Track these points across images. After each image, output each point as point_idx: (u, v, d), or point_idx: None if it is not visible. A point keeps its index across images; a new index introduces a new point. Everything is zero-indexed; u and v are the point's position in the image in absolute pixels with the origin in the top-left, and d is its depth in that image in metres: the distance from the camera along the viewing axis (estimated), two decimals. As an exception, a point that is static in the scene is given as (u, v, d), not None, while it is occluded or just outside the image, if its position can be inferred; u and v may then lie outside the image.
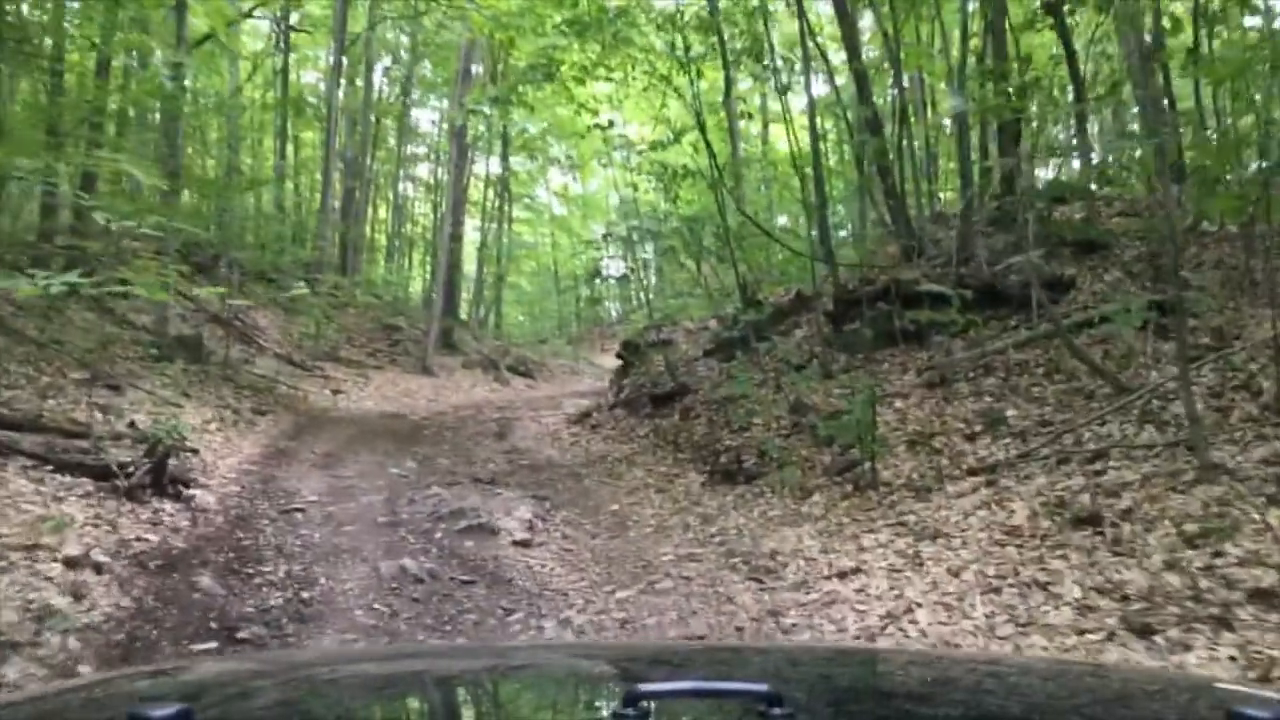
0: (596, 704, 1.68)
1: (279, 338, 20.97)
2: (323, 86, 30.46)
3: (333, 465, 10.69)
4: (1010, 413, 8.54)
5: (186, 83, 18.82)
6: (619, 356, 15.77)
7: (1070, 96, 12.49)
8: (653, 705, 1.19)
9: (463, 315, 30.62)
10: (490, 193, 32.01)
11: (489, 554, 7.39)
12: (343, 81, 30.34)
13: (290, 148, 30.44)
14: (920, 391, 9.57)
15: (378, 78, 31.34)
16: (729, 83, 16.77)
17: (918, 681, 1.79)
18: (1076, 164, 15.09)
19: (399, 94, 30.04)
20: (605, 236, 12.89)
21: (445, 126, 27.95)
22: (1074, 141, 13.62)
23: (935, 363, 9.93)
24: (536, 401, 20.30)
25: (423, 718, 1.63)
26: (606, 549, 7.73)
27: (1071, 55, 12.14)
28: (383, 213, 33.61)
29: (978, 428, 8.47)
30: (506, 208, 29.96)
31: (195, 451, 9.65)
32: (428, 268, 31.48)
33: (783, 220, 24.20)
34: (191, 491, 8.31)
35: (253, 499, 8.78)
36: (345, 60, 29.35)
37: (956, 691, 1.68)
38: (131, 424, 9.86)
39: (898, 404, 9.45)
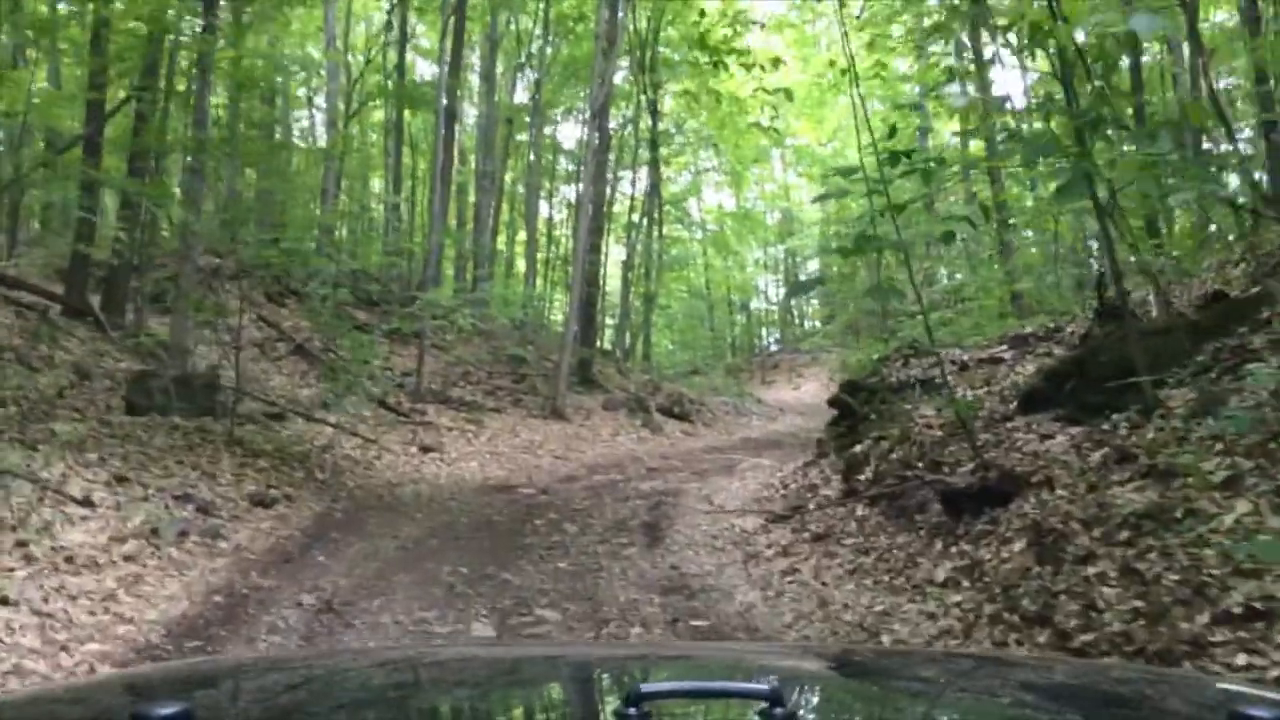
0: (598, 704, 1.50)
1: (375, 372, 15.57)
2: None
3: (318, 646, 4.93)
4: None
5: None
6: (834, 404, 9.66)
7: None
8: (654, 705, 1.11)
9: (606, 344, 24.93)
10: (638, 201, 26.26)
11: None
12: (474, 75, 25.26)
13: (416, 157, 25.52)
14: None
15: (516, 83, 26.17)
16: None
17: (918, 681, 1.65)
18: None
19: (532, 89, 24.61)
20: (902, 156, 6.41)
21: (585, 111, 22.34)
22: None
23: None
24: (699, 459, 14.26)
25: (423, 717, 1.45)
26: None
27: None
28: (523, 234, 28.32)
29: None
30: (657, 214, 24.13)
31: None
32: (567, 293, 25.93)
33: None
34: None
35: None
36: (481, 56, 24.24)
37: (957, 691, 1.58)
38: None
39: None
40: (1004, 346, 8.34)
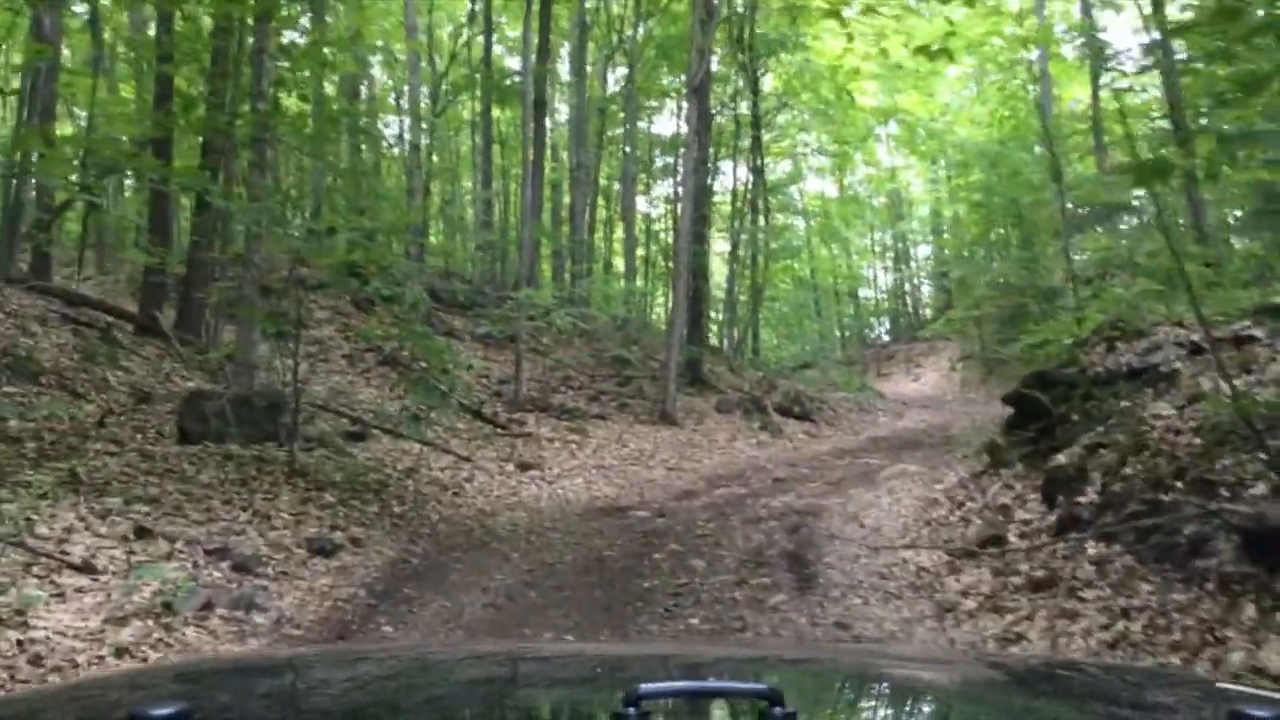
0: (597, 704, 1.47)
1: (466, 376, 14.13)
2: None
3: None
4: None
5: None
6: (1014, 402, 7.77)
7: None
8: (653, 705, 1.09)
9: (712, 340, 23.17)
10: (740, 191, 24.42)
11: None
12: (564, 67, 23.80)
13: (506, 154, 24.14)
14: None
15: (607, 75, 24.63)
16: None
17: (918, 681, 1.63)
18: None
19: (624, 80, 22.99)
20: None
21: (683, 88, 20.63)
22: None
23: None
24: (830, 466, 12.44)
25: (422, 715, 1.39)
26: None
27: None
28: (620, 231, 26.71)
29: None
30: (761, 200, 22.23)
31: None
32: (669, 288, 24.20)
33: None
34: None
35: None
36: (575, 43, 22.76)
37: (957, 691, 1.57)
38: None
39: None
40: (1247, 323, 6.37)
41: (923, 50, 7.82)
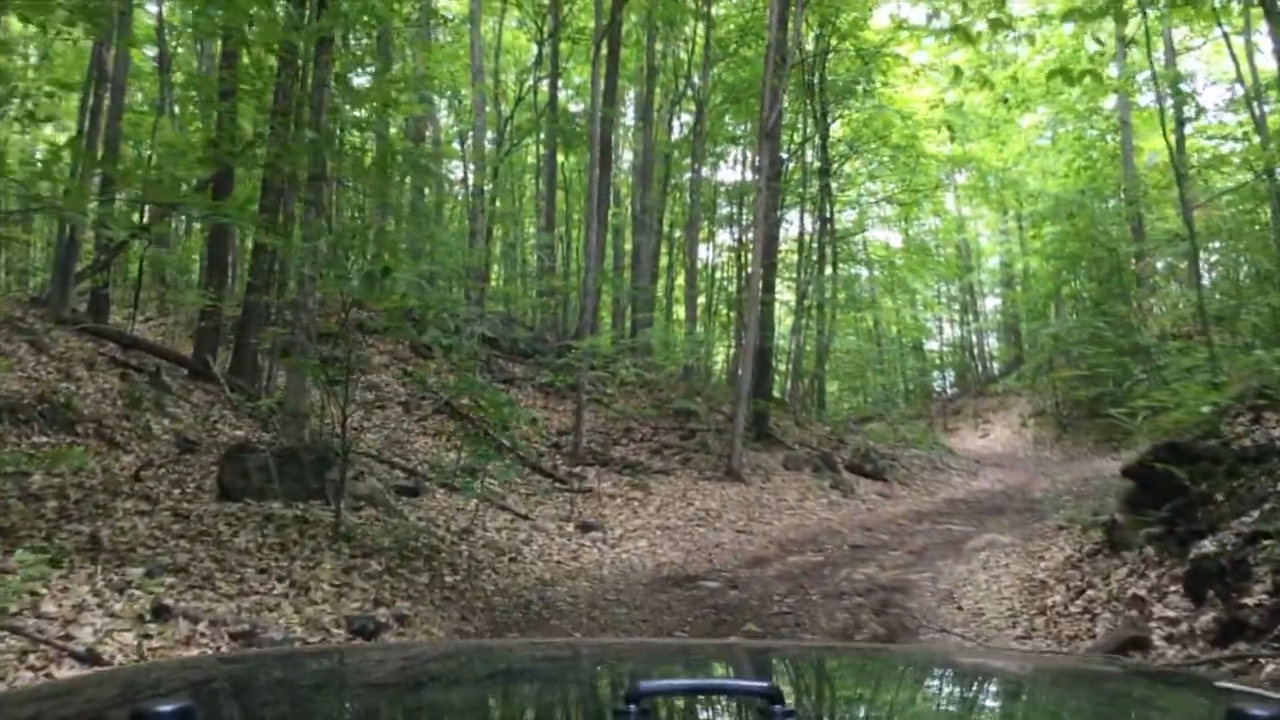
0: (599, 701, 1.45)
1: (526, 430, 13.49)
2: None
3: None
4: None
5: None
6: (1133, 474, 6.85)
7: None
8: (655, 702, 1.09)
9: (776, 393, 22.31)
10: (806, 240, 23.65)
11: None
12: (629, 113, 23.38)
13: (570, 200, 23.71)
14: None
15: (673, 122, 24.14)
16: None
17: (918, 680, 1.61)
18: None
19: (690, 126, 22.48)
20: None
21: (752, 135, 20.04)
22: None
23: None
24: (909, 532, 11.55)
25: (425, 715, 1.39)
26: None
27: None
28: (682, 279, 26.05)
29: None
30: (830, 249, 21.44)
31: None
32: (731, 338, 23.43)
33: None
34: None
35: None
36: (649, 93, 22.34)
37: (956, 689, 1.55)
38: None
39: None
40: None
41: (1061, 73, 7.12)
